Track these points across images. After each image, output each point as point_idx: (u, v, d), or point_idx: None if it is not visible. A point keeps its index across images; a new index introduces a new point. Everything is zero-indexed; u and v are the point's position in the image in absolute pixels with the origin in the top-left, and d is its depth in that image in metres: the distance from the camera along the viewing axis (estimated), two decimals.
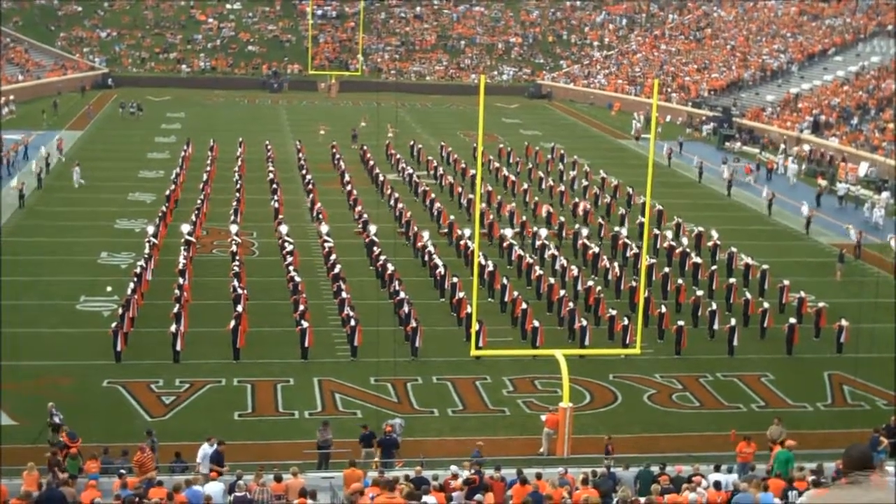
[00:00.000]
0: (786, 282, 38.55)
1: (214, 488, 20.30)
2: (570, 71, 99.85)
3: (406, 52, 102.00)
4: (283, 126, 73.95)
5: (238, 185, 51.02)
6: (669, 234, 44.65)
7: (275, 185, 51.74)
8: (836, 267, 42.94)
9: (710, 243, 43.47)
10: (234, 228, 43.38)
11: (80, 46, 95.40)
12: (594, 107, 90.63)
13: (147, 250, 39.78)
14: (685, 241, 43.77)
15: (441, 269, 38.42)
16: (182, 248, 40.50)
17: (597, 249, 42.09)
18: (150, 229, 42.55)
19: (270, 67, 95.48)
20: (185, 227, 42.56)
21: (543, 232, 44.13)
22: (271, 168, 55.98)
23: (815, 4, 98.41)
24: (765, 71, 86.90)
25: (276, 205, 48.19)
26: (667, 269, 39.93)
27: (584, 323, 33.55)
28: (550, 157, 63.50)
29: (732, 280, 38.78)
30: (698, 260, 41.32)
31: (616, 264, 39.98)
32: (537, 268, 39.07)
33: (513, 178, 55.87)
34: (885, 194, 55.77)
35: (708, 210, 52.94)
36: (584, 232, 44.71)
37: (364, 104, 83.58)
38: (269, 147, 61.50)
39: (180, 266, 37.73)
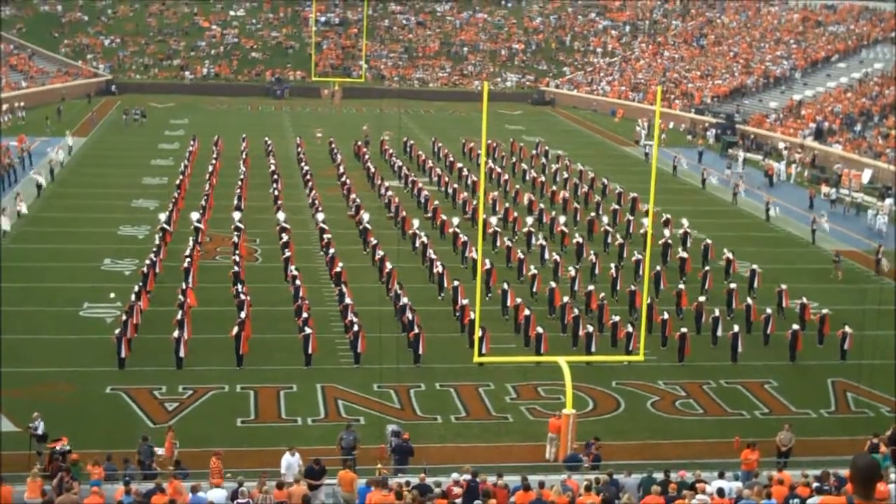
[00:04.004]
0: (783, 286, 38.61)
1: (218, 495, 20.32)
2: (573, 78, 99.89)
3: (409, 58, 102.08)
4: (286, 132, 74.03)
5: (241, 177, 54.31)
6: (667, 232, 45.90)
7: (275, 176, 54.98)
8: (834, 267, 43.23)
9: (680, 231, 44.94)
10: (236, 216, 45.69)
11: (84, 53, 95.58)
12: (597, 113, 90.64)
13: (157, 241, 41.81)
14: (666, 231, 44.62)
15: (439, 268, 38.94)
16: (191, 238, 42.16)
17: (580, 239, 44.16)
18: (163, 216, 45.20)
19: (274, 74, 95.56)
20: (195, 215, 44.94)
21: (529, 219, 47.14)
22: (272, 161, 59.35)
23: (818, 11, 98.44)
24: (768, 78, 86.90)
25: (276, 193, 51.31)
26: (658, 268, 40.06)
27: (590, 329, 33.59)
28: (535, 151, 66.55)
29: (734, 285, 38.83)
30: (684, 255, 42.10)
31: (614, 265, 40.31)
32: (533, 267, 39.98)
33: (498, 169, 59.67)
34: (888, 201, 55.75)
35: (710, 216, 53.02)
36: (562, 219, 47.92)
37: (367, 111, 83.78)
38: (269, 143, 64.65)
39: (185, 264, 38.05)
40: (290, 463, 22.88)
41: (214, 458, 22.63)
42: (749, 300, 37.07)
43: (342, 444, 25.13)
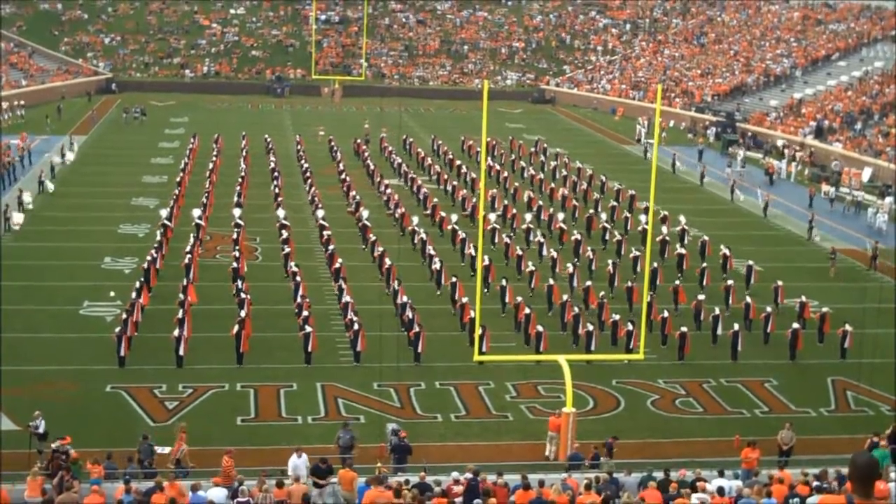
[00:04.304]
0: (779, 282, 38.65)
1: (218, 494, 20.33)
2: (573, 76, 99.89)
3: (409, 56, 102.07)
4: (286, 130, 74.07)
5: (242, 174, 54.73)
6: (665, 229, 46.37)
7: (276, 173, 55.57)
8: (831, 265, 43.44)
9: (677, 228, 45.29)
10: (237, 212, 46.18)
11: (84, 52, 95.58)
12: (598, 112, 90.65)
13: (159, 237, 42.29)
14: (665, 228, 44.45)
15: (437, 265, 39.36)
16: (192, 235, 42.42)
17: (578, 236, 44.44)
18: (164, 212, 45.65)
19: (274, 72, 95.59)
20: (196, 212, 45.46)
21: (528, 216, 48.11)
22: (272, 159, 59.79)
23: (818, 9, 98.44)
24: (768, 76, 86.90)
25: (277, 190, 51.81)
26: (655, 264, 40.12)
27: (590, 328, 33.60)
28: (534, 149, 66.94)
29: (731, 282, 38.85)
30: (682, 251, 42.25)
31: (611, 262, 40.45)
32: (531, 263, 40.13)
33: (497, 167, 60.07)
34: (888, 199, 55.77)
35: (710, 215, 53.03)
36: (560, 216, 48.45)
37: (367, 109, 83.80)
38: (269, 141, 64.90)
39: (186, 260, 38.16)
40: (297, 464, 22.87)
41: (226, 456, 22.67)
42: (748, 299, 37.10)
43: (339, 442, 25.17)
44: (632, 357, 31.70)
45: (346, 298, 35.10)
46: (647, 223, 45.42)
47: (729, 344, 34.06)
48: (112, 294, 36.99)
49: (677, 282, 38.64)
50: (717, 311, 35.51)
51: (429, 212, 49.08)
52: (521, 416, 29.38)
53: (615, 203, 51.44)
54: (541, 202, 51.16)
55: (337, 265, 38.82)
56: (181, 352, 31.48)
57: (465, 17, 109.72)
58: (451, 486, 21.00)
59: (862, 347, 33.56)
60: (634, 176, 58.85)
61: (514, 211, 49.15)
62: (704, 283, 39.74)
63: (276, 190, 51.55)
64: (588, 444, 25.94)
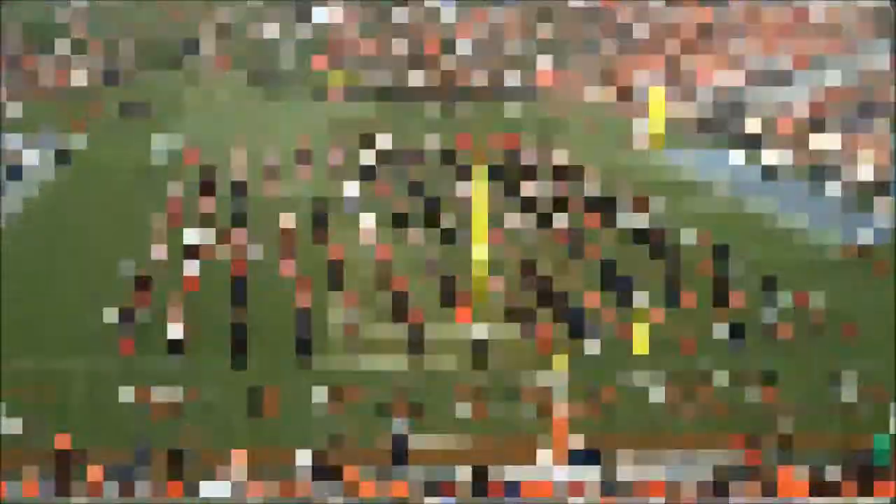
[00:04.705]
0: (776, 280, 38.73)
1: (216, 493, 20.40)
2: (571, 74, 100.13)
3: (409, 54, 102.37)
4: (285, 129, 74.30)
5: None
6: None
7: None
8: (824, 262, 43.64)
9: (674, 225, 45.42)
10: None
11: (83, 50, 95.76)
12: (596, 111, 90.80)
13: (160, 233, 41.54)
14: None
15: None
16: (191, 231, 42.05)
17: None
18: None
19: (273, 72, 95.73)
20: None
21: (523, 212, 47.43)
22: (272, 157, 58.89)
23: (816, 8, 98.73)
24: (767, 75, 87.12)
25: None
26: (652, 261, 40.28)
27: (589, 326, 33.68)
28: (531, 147, 66.07)
29: (728, 279, 38.91)
30: (679, 247, 42.40)
31: (608, 258, 40.61)
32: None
33: (495, 164, 59.09)
34: (887, 198, 55.91)
35: (707, 213, 53.19)
36: (557, 213, 47.55)
37: (367, 107, 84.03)
38: (268, 139, 63.89)
39: (185, 258, 38.32)
40: (303, 464, 22.97)
41: (238, 453, 22.75)
42: (744, 295, 37.14)
43: (340, 441, 25.26)
44: (630, 354, 31.79)
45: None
46: (644, 221, 45.81)
47: (728, 342, 34.15)
48: (111, 293, 37.10)
49: (674, 278, 38.72)
50: (717, 309, 35.59)
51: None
52: (520, 415, 29.44)
53: (612, 199, 51.55)
54: (537, 199, 51.32)
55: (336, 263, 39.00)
56: (180, 350, 31.56)
57: (464, 15, 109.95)
58: (448, 485, 21.09)
59: (861, 347, 33.68)
60: (632, 174, 58.98)
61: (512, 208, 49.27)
62: (701, 280, 39.88)
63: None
64: (589, 442, 26.05)
